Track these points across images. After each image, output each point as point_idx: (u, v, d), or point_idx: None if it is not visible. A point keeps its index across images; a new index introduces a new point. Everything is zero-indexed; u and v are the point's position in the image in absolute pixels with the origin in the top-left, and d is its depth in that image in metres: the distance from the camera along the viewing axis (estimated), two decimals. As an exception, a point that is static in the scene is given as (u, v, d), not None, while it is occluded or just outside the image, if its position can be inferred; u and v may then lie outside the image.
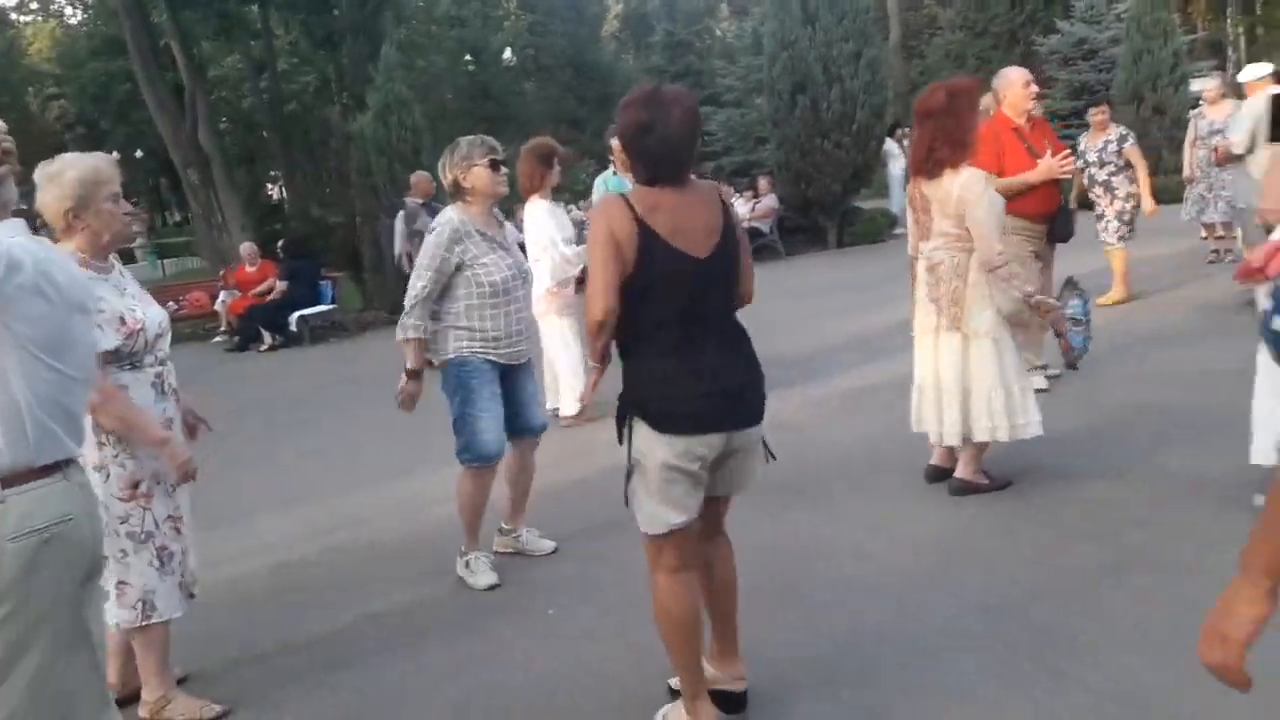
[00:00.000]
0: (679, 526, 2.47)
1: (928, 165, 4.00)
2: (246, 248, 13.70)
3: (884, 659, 2.94)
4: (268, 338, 12.54)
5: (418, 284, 3.69)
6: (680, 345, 2.44)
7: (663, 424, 2.41)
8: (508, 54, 28.94)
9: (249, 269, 13.23)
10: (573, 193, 18.15)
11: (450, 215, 3.73)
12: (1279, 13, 28.64)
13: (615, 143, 6.49)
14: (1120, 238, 7.70)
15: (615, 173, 7.14)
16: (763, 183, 15.53)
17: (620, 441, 2.52)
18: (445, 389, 3.81)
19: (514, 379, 3.90)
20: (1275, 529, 1.34)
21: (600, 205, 2.57)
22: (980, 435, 4.09)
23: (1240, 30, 31.76)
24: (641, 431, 2.44)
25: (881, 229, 15.68)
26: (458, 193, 3.78)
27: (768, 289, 2.80)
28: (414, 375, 3.75)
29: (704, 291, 2.45)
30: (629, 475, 2.49)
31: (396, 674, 3.30)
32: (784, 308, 8.46)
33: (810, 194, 15.47)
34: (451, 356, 3.74)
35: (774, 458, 2.68)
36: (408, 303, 3.72)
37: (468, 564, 3.95)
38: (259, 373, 11.28)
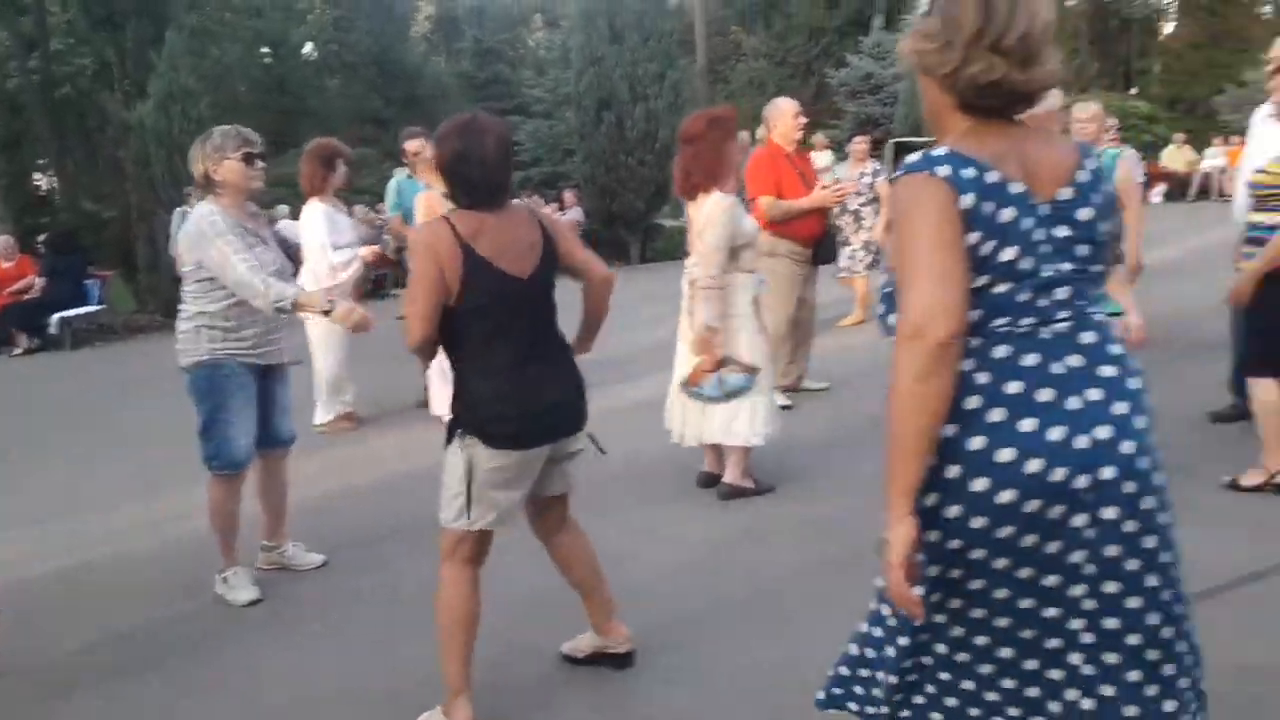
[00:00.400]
0: (486, 527, 2.61)
1: (686, 188, 4.21)
2: (2, 241, 12.51)
3: (649, 650, 3.07)
4: (23, 340, 11.50)
5: (241, 265, 3.38)
6: (508, 363, 2.55)
7: (493, 439, 2.52)
8: (309, 48, 27.83)
9: (4, 264, 12.08)
10: (374, 195, 17.67)
11: (204, 210, 3.52)
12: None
13: (410, 145, 6.36)
14: (866, 266, 8.31)
15: (410, 175, 7.00)
16: (568, 195, 15.69)
17: (446, 446, 2.62)
18: (193, 393, 3.59)
19: (267, 385, 3.73)
20: (898, 456, 1.56)
21: (424, 230, 2.63)
22: (717, 439, 4.33)
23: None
24: (471, 442, 2.54)
25: (678, 247, 16.13)
26: (208, 185, 3.58)
27: (571, 301, 2.88)
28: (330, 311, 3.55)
29: (528, 310, 2.60)
30: (450, 473, 2.58)
31: (146, 693, 3.10)
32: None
33: (615, 209, 15.74)
34: (205, 359, 3.53)
35: (604, 452, 2.86)
36: (255, 280, 3.38)
37: (225, 579, 3.76)
38: (11, 378, 10.33)
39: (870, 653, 1.88)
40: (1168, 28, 35.11)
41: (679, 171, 4.23)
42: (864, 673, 1.90)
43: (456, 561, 2.64)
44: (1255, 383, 4.02)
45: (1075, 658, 1.71)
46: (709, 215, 4.11)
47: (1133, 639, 1.68)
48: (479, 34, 28.69)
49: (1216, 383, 5.08)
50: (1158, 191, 18.36)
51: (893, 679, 1.79)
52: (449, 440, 2.62)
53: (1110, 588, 1.66)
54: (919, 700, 1.82)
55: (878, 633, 1.85)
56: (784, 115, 5.60)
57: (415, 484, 4.63)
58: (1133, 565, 1.65)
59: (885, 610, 1.80)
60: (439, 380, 5.96)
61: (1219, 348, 5.13)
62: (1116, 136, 7.28)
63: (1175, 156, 20.26)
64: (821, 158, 14.08)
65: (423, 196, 5.79)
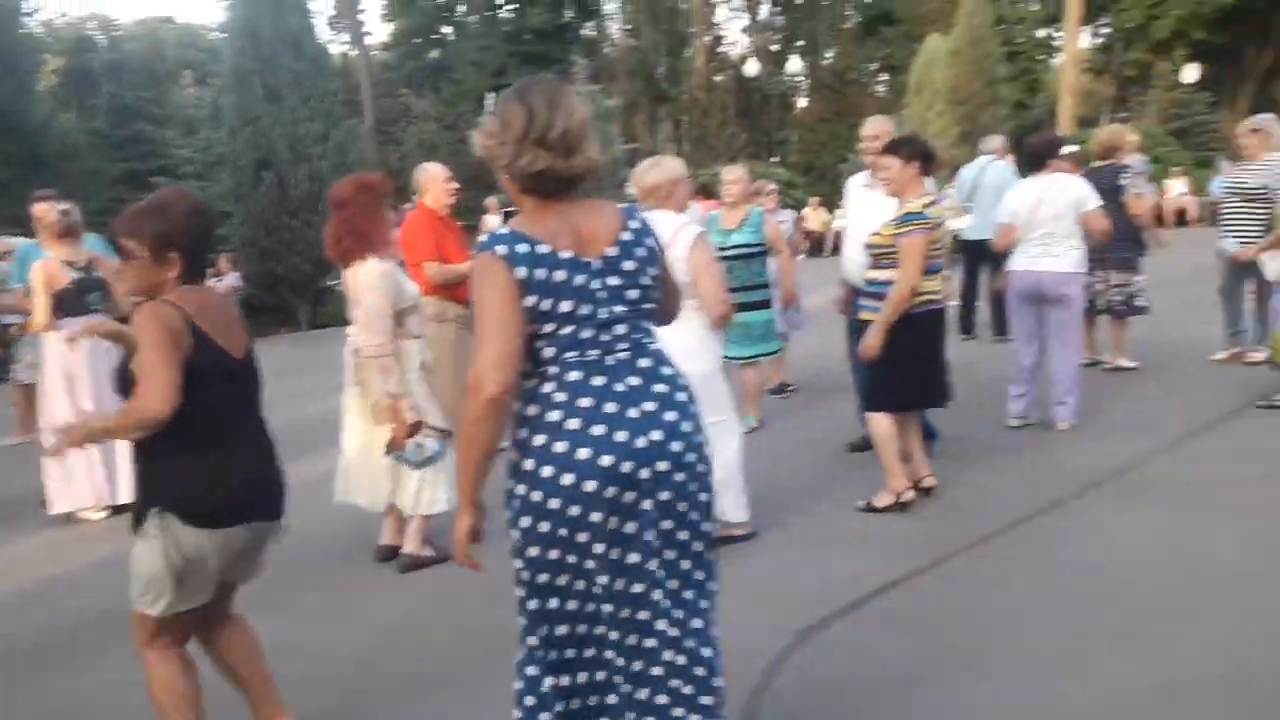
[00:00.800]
0: (182, 611, 2.53)
1: (338, 253, 4.09)
2: None
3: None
4: None
5: None
6: (216, 439, 2.49)
7: (194, 518, 2.44)
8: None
9: None
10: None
11: None
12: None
13: (36, 209, 5.68)
14: None
15: (40, 244, 6.21)
16: (223, 261, 14.66)
17: (135, 530, 2.50)
18: None
19: None
20: (463, 470, 2.08)
21: (149, 310, 2.43)
22: (408, 507, 4.22)
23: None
24: (168, 522, 2.44)
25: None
26: None
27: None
28: None
29: (240, 387, 2.59)
30: (144, 556, 2.46)
31: None
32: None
33: (279, 272, 14.97)
34: None
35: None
36: None
37: None
38: None
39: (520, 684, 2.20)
40: (802, 102, 39.47)
41: (330, 237, 4.10)
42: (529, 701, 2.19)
43: (160, 647, 2.57)
44: (872, 417, 4.51)
45: (662, 624, 2.10)
46: (363, 282, 3.99)
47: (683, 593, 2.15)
48: (115, 89, 26.36)
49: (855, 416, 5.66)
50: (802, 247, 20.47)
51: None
52: (138, 523, 2.49)
53: (669, 554, 2.12)
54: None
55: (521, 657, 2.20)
56: (435, 180, 5.58)
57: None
58: (682, 535, 2.14)
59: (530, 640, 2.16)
60: (59, 475, 5.32)
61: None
62: (775, 200, 8.04)
63: (812, 217, 22.74)
64: (491, 220, 14.29)
65: (39, 265, 5.20)
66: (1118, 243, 6.51)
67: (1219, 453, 5.09)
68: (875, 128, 5.21)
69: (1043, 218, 5.54)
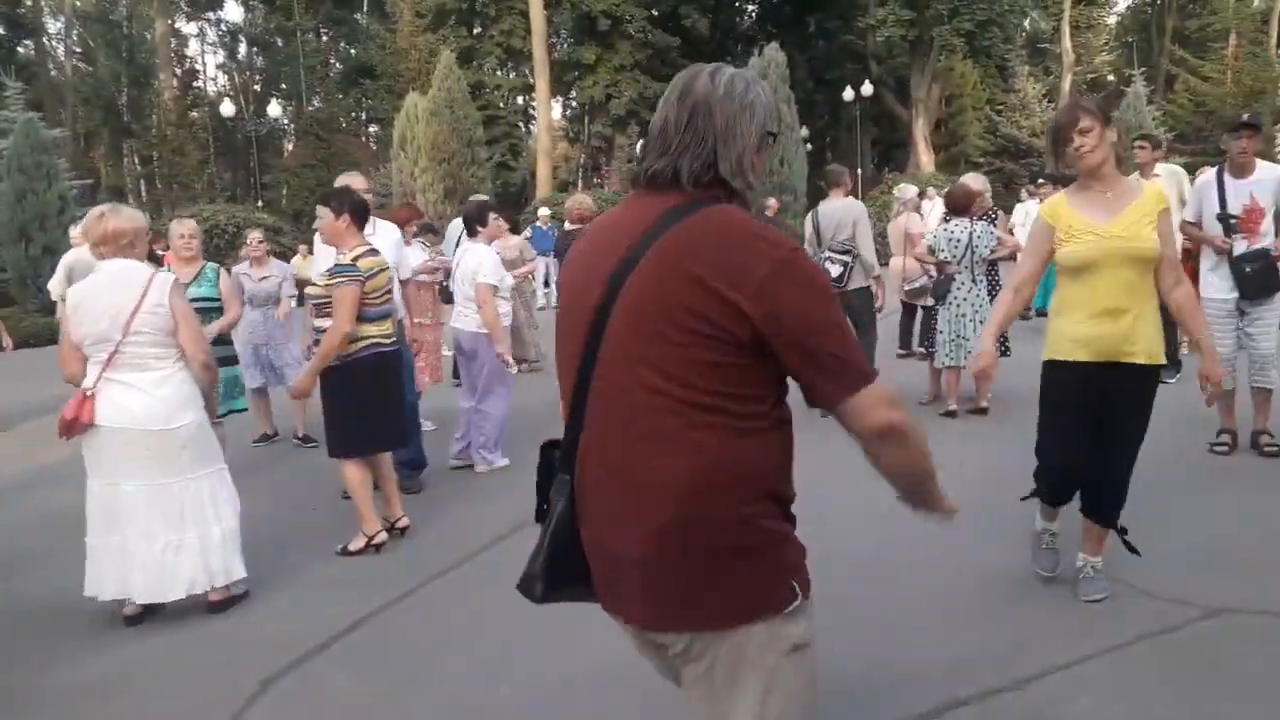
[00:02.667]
0: None
1: None
2: None
3: None
4: None
5: None
6: None
7: None
8: None
9: None
10: None
11: None
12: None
13: None
14: None
15: None
16: None
17: None
18: None
19: None
20: None
21: None
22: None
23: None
24: None
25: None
26: None
27: None
28: None
29: None
30: None
31: None
32: None
33: None
34: None
35: None
36: None
37: None
38: None
39: None
40: (289, 147, 38.44)
41: None
42: None
43: None
44: (343, 464, 4.68)
45: None
46: None
47: None
48: None
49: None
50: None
51: None
52: None
53: None
54: None
55: None
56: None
57: None
58: None
59: None
60: None
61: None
62: (264, 250, 7.21)
63: (302, 266, 22.23)
64: None
65: None
66: None
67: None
68: (348, 182, 5.45)
69: (462, 280, 6.02)
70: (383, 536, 4.72)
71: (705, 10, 36.36)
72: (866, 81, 29.24)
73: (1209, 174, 5.55)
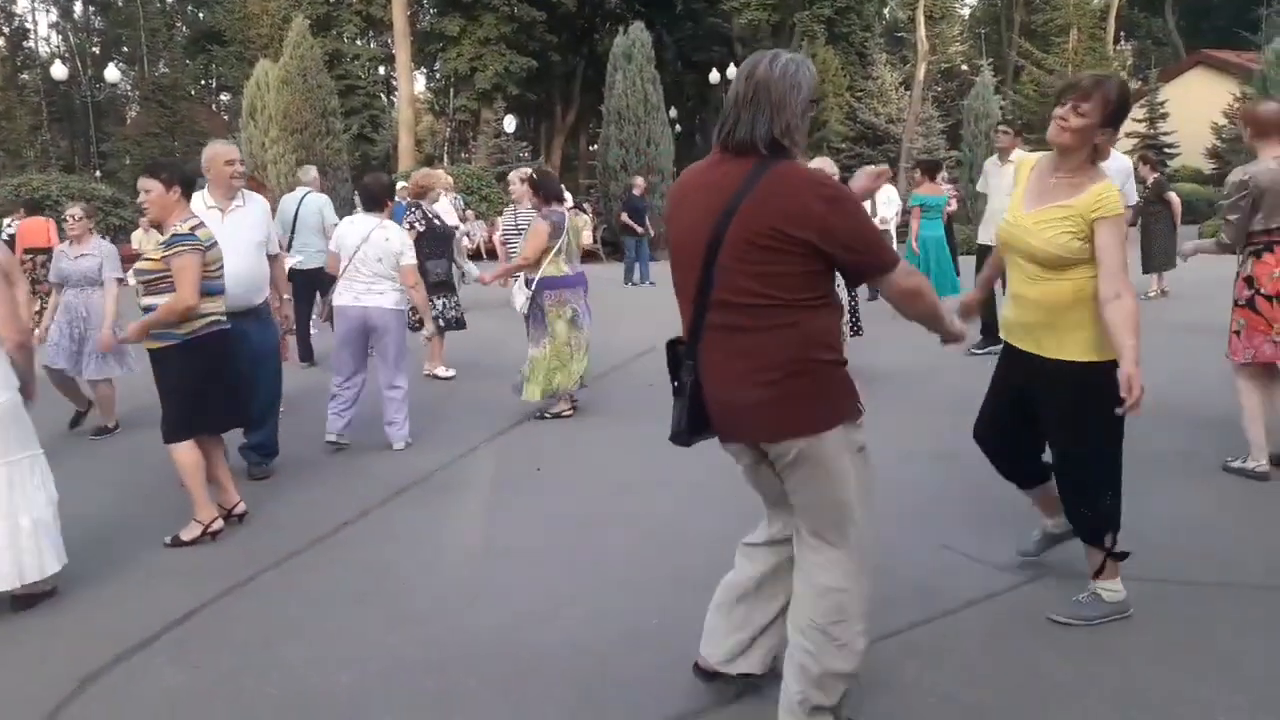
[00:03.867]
0: None
1: None
2: None
3: None
4: None
5: None
6: None
7: None
8: None
9: None
10: None
11: None
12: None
13: None
14: None
15: None
16: None
17: None
18: None
19: None
20: None
21: None
22: None
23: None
24: None
25: None
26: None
27: None
28: None
29: None
30: None
31: None
32: None
33: None
34: None
35: None
36: None
37: None
38: None
39: None
40: (133, 113, 36.23)
41: None
42: None
43: None
44: (173, 448, 4.43)
45: None
46: None
47: None
48: None
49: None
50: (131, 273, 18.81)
51: None
52: None
53: None
54: None
55: None
56: None
57: None
58: None
59: None
60: None
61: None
62: (88, 228, 6.77)
63: (144, 239, 21.11)
64: None
65: None
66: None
67: (505, 454, 5.94)
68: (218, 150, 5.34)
69: (367, 257, 5.89)
70: (219, 524, 4.50)
71: (572, -15, 36.05)
72: (732, 64, 29.61)
73: (1124, 161, 5.37)
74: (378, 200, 6.15)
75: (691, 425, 2.53)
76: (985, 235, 8.48)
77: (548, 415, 6.74)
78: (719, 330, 2.44)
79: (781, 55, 2.41)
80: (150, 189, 4.40)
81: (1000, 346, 3.48)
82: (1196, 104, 28.69)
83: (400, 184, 16.09)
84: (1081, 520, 3.33)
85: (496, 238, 8.91)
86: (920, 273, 2.54)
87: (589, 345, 6.84)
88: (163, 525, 4.57)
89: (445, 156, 40.94)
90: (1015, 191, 3.32)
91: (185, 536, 4.42)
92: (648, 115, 21.66)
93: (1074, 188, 3.13)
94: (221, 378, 4.52)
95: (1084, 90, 3.07)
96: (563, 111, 39.70)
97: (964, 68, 43.41)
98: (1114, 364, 3.00)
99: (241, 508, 4.70)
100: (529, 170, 8.00)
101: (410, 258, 6.03)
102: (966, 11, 46.63)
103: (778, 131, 2.35)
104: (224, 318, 4.51)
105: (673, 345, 2.60)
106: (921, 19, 28.65)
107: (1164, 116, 29.66)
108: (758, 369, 2.40)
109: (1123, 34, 38.65)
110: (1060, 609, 3.37)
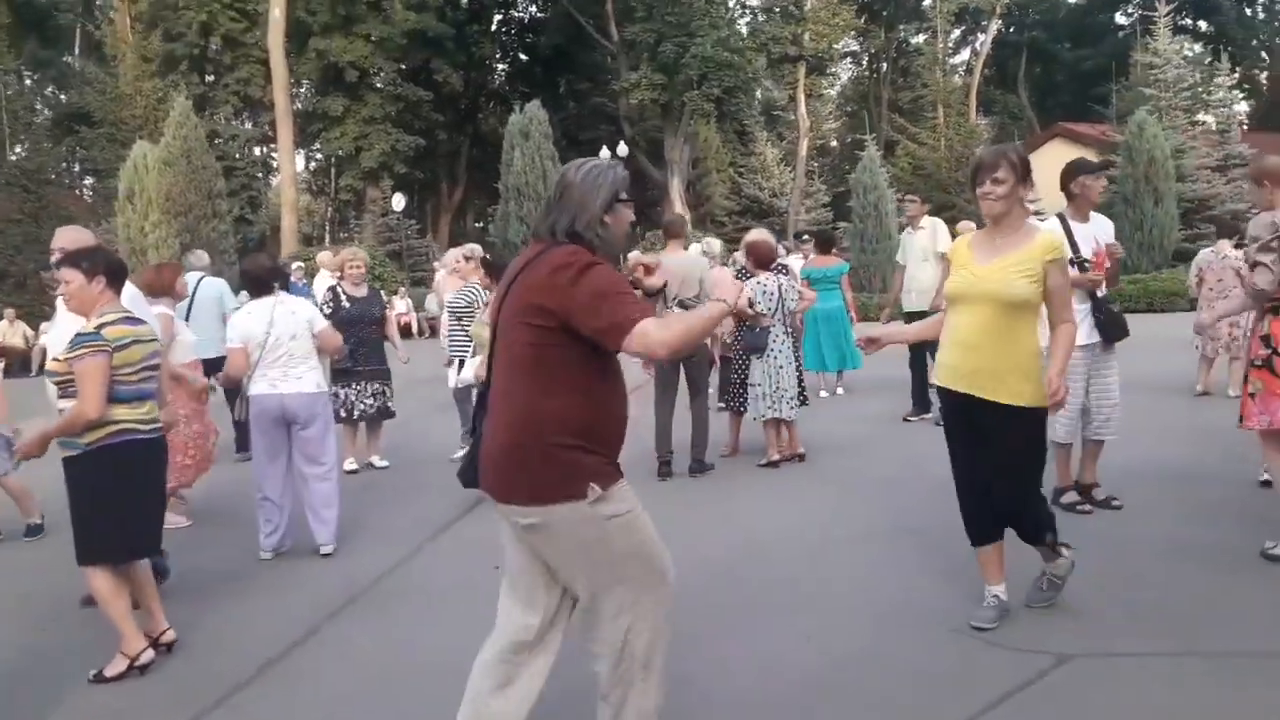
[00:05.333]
0: None
1: None
2: None
3: None
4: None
5: None
6: None
7: None
8: None
9: None
10: None
11: None
12: None
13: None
14: None
15: None
16: None
17: None
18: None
19: None
20: None
21: None
22: None
23: None
24: None
25: None
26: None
27: None
28: None
29: None
30: None
31: None
32: None
33: None
34: None
35: None
36: None
37: None
38: None
39: None
40: None
41: None
42: None
43: None
44: (88, 573, 3.89)
45: None
46: None
47: None
48: None
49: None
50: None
51: None
52: None
53: None
54: None
55: None
56: None
57: None
58: None
59: None
60: None
61: None
62: None
63: (9, 332, 19.72)
64: None
65: None
66: (372, 353, 7.53)
67: (456, 551, 5.48)
68: (64, 239, 4.73)
69: (278, 339, 5.45)
70: (148, 655, 3.92)
71: (457, 66, 36.13)
72: (621, 143, 30.02)
73: (1053, 224, 5.37)
74: (265, 284, 5.67)
75: (469, 473, 2.89)
76: (909, 302, 8.59)
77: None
78: (496, 387, 2.67)
79: (589, 162, 2.74)
80: (71, 280, 3.90)
81: (932, 415, 3.71)
82: (1056, 172, 30.30)
83: (296, 265, 15.50)
84: (1026, 526, 3.84)
85: (444, 315, 8.46)
86: (669, 315, 2.77)
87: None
88: (85, 657, 3.97)
89: (326, 237, 40.02)
90: (961, 255, 3.79)
91: (109, 672, 3.83)
92: (548, 191, 21.56)
93: (1021, 241, 3.62)
94: (136, 496, 3.94)
95: (992, 164, 3.60)
96: (449, 189, 39.45)
97: (834, 144, 45.22)
98: (1042, 408, 3.62)
99: (170, 635, 4.11)
100: (474, 247, 7.73)
101: (323, 322, 5.75)
102: (835, 90, 48.74)
103: (580, 225, 2.60)
104: (142, 426, 3.96)
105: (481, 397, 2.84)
106: (802, 97, 29.70)
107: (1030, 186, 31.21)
108: (498, 430, 2.63)
109: (981, 110, 40.93)
110: (1031, 595, 3.99)
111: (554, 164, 21.98)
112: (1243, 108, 25.94)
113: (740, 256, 8.35)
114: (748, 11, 35.36)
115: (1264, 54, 46.34)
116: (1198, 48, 29.12)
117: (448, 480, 6.80)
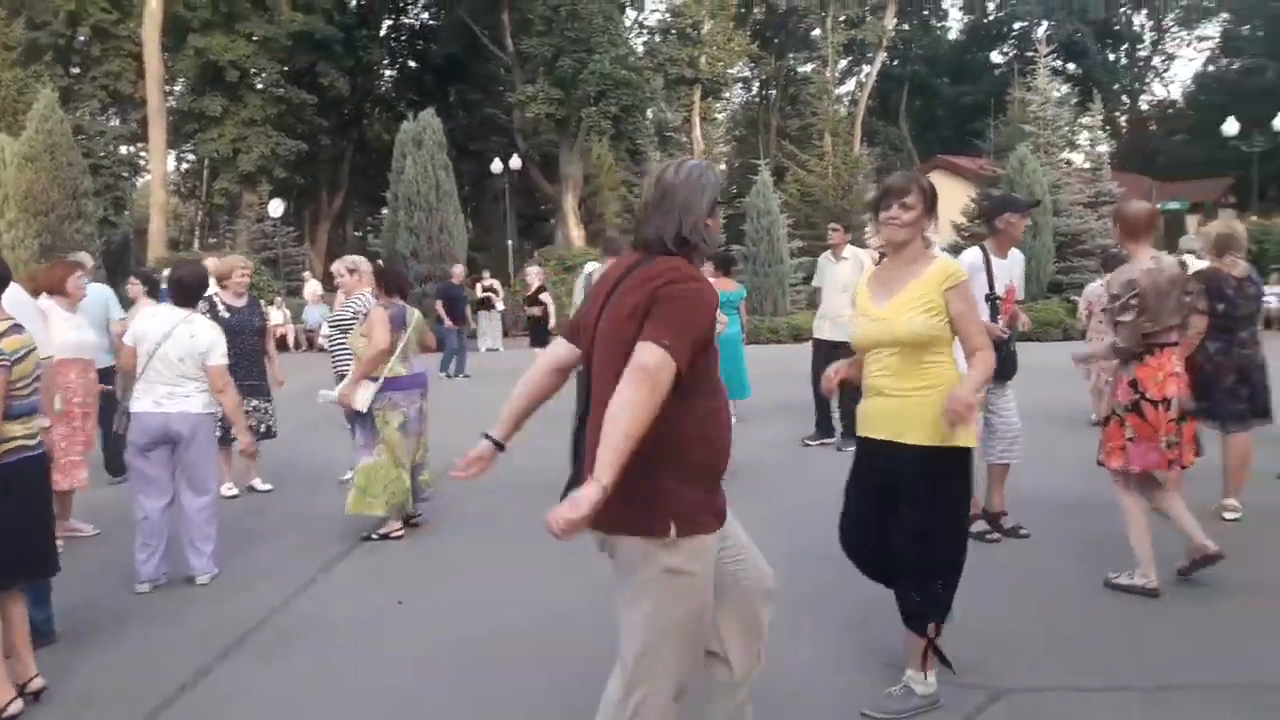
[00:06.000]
0: None
1: None
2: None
3: None
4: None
5: None
6: None
7: None
8: None
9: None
10: None
11: None
12: None
13: None
14: None
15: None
16: None
17: None
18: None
19: None
20: None
21: None
22: None
23: None
24: None
25: None
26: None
27: None
28: None
29: None
30: None
31: None
32: None
33: None
34: None
35: None
36: None
37: None
38: None
39: None
40: None
41: None
42: None
43: None
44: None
45: None
46: None
47: None
48: None
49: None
50: None
51: None
52: None
53: None
54: None
55: None
56: None
57: None
58: None
59: None
60: None
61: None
62: None
63: None
64: None
65: None
66: (253, 366, 7.14)
67: (350, 584, 5.16)
68: None
69: (168, 356, 5.06)
70: (16, 706, 3.51)
71: (344, 70, 35.12)
72: (515, 155, 29.67)
73: (974, 255, 5.35)
74: (193, 295, 5.36)
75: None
76: (822, 330, 8.55)
77: (375, 536, 5.89)
78: (596, 405, 2.45)
79: (686, 162, 2.60)
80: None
81: (834, 440, 3.54)
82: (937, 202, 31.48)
83: (168, 272, 14.64)
84: (909, 603, 3.39)
85: (322, 330, 7.99)
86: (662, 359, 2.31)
87: (426, 452, 6.19)
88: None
89: (196, 242, 38.26)
90: (860, 300, 3.55)
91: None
92: (440, 201, 21.08)
93: (917, 271, 3.37)
94: (24, 517, 3.58)
95: (901, 188, 3.38)
96: (329, 196, 38.25)
97: (722, 167, 45.88)
98: (965, 451, 3.34)
99: (39, 682, 3.69)
100: (357, 259, 7.31)
101: (218, 358, 5.18)
102: (724, 115, 49.54)
103: (687, 230, 2.48)
104: (30, 442, 3.59)
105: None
106: (697, 119, 29.99)
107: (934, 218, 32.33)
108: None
109: (865, 140, 42.21)
110: (871, 703, 3.41)
111: (447, 174, 21.44)
112: (1104, 149, 27.28)
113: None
114: (645, 31, 35.58)
115: (1124, 98, 49.41)
116: (1065, 88, 30.63)
117: (338, 504, 6.51)
